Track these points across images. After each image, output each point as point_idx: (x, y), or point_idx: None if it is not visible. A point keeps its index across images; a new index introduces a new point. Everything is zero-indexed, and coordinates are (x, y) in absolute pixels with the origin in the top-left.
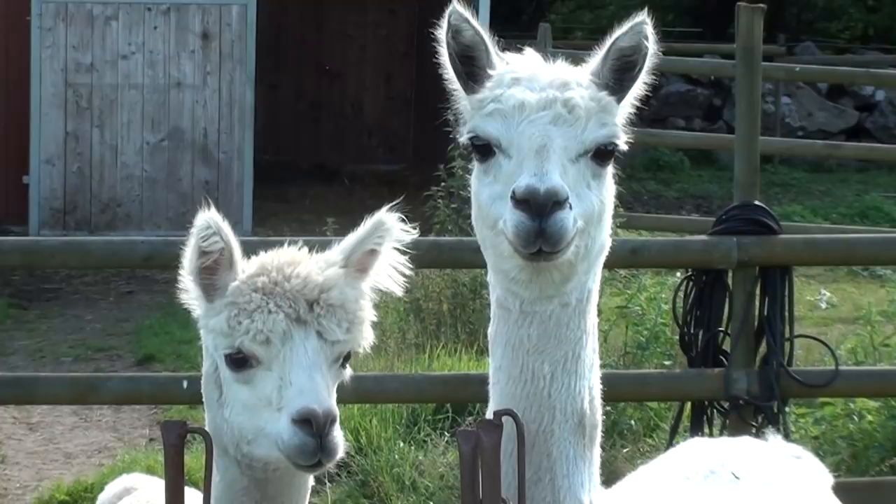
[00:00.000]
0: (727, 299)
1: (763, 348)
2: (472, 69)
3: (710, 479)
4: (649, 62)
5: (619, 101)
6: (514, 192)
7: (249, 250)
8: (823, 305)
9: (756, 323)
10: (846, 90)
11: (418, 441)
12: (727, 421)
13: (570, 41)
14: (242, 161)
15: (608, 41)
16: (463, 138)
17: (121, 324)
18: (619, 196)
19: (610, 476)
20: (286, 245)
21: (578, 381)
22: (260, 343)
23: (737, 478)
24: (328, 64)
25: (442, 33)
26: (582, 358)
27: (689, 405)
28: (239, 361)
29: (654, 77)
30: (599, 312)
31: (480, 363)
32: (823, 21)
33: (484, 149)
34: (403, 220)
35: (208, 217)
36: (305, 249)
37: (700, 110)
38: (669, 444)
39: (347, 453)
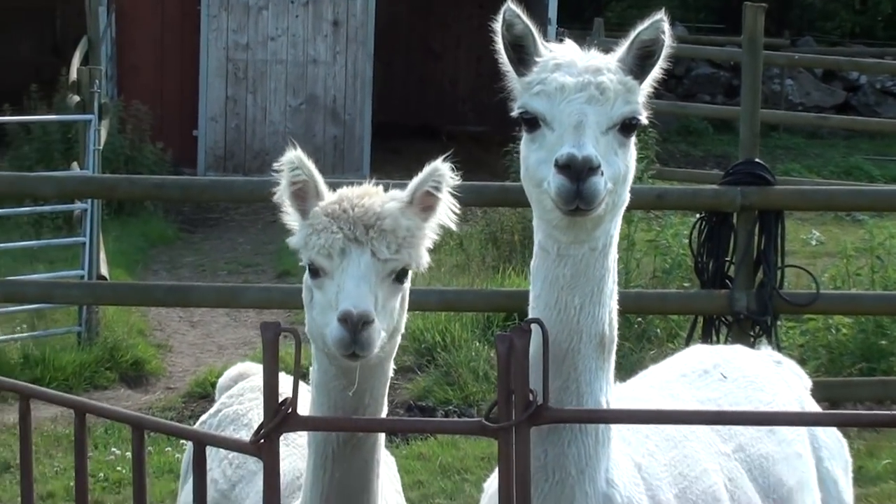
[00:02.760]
0: (732, 236)
1: (760, 275)
2: (522, 56)
3: (703, 377)
4: (666, 51)
5: (640, 83)
6: (556, 160)
7: None
8: (814, 243)
9: (755, 255)
10: (836, 75)
11: (491, 342)
12: (730, 331)
13: (621, 33)
14: (363, 121)
15: (632, 34)
16: (514, 112)
17: (265, 245)
18: (656, 154)
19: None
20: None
21: (601, 309)
22: (324, 257)
23: (724, 377)
24: (432, 46)
25: (498, 26)
26: (604, 290)
27: (701, 318)
28: (314, 271)
29: (671, 63)
30: (634, 244)
31: None
32: (820, 20)
33: (531, 122)
34: (452, 168)
35: (293, 155)
36: (381, 187)
37: (722, 88)
38: (686, 346)
39: (434, 349)
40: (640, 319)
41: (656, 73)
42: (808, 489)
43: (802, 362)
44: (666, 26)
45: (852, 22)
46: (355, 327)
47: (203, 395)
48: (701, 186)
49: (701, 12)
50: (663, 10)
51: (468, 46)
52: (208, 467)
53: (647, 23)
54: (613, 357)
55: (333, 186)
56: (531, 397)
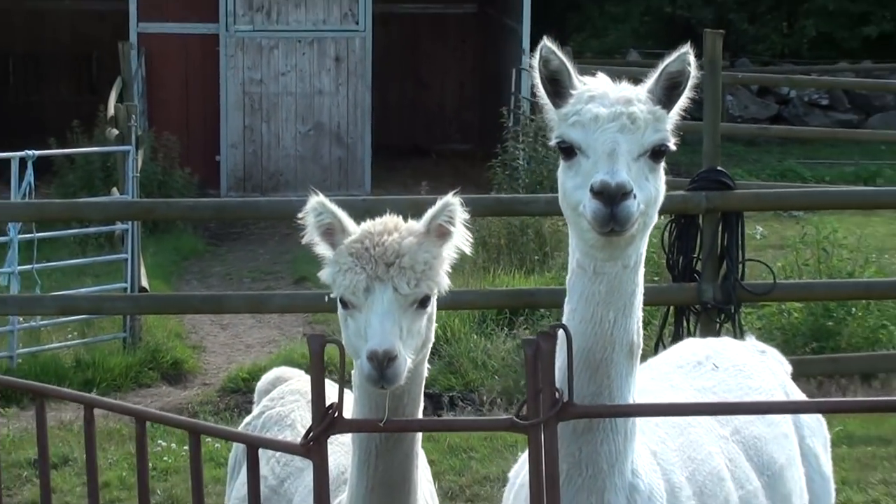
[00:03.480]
0: (699, 235)
1: (723, 269)
2: (557, 89)
3: (697, 368)
4: (692, 81)
5: (668, 111)
6: (592, 186)
7: (370, 205)
8: (758, 237)
9: (719, 251)
10: (770, 90)
11: (486, 333)
12: (699, 319)
13: (582, 60)
14: (364, 144)
15: (660, 66)
16: (552, 142)
17: (283, 255)
18: None
19: None
20: (388, 213)
21: (631, 321)
22: (351, 294)
23: (716, 367)
24: (421, 76)
25: (535, 61)
26: (634, 304)
27: (672, 309)
28: (343, 303)
29: (698, 92)
30: None
31: (527, 280)
32: (753, 44)
33: (568, 150)
34: (462, 203)
35: (316, 201)
36: (400, 218)
37: None
38: (659, 336)
39: (437, 342)
40: None
41: (683, 102)
42: (795, 465)
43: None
44: (692, 58)
45: (781, 44)
46: (381, 364)
47: (235, 389)
48: (669, 193)
49: (649, 40)
50: (688, 43)
51: (453, 75)
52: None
53: (673, 55)
54: (639, 360)
55: (342, 204)
56: (557, 395)
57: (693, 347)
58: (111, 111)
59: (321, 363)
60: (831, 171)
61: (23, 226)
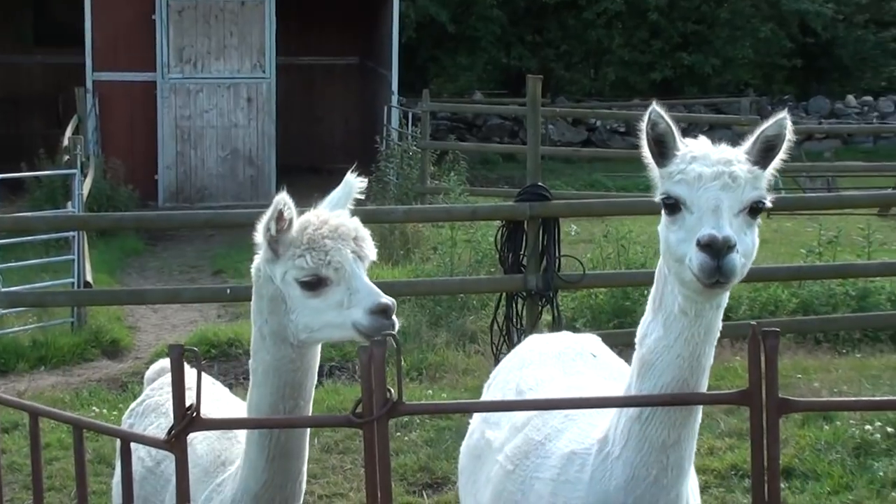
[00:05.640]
0: (524, 237)
1: (544, 263)
2: (661, 150)
3: (580, 357)
4: (787, 144)
5: (764, 170)
6: (699, 240)
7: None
8: (573, 234)
9: (540, 249)
10: (581, 121)
11: None
12: (525, 302)
13: (440, 99)
14: (270, 164)
15: (757, 130)
16: (657, 198)
17: (205, 252)
18: (467, 178)
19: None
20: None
21: (713, 348)
22: (335, 269)
23: (594, 356)
24: (316, 112)
25: (643, 124)
26: (717, 335)
27: (504, 295)
28: (312, 284)
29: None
30: (456, 244)
31: (393, 271)
32: (567, 85)
33: (672, 206)
34: (361, 181)
35: (284, 195)
36: (327, 210)
37: (507, 132)
38: (493, 316)
39: None
40: (461, 296)
41: (777, 162)
42: None
43: (574, 320)
44: (789, 123)
45: (589, 86)
46: (388, 314)
47: None
48: (501, 204)
49: (491, 83)
50: (786, 110)
51: (339, 112)
52: (136, 447)
53: (771, 121)
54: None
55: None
56: (388, 395)
57: (563, 342)
58: (66, 142)
59: (181, 369)
60: (627, 182)
61: None
